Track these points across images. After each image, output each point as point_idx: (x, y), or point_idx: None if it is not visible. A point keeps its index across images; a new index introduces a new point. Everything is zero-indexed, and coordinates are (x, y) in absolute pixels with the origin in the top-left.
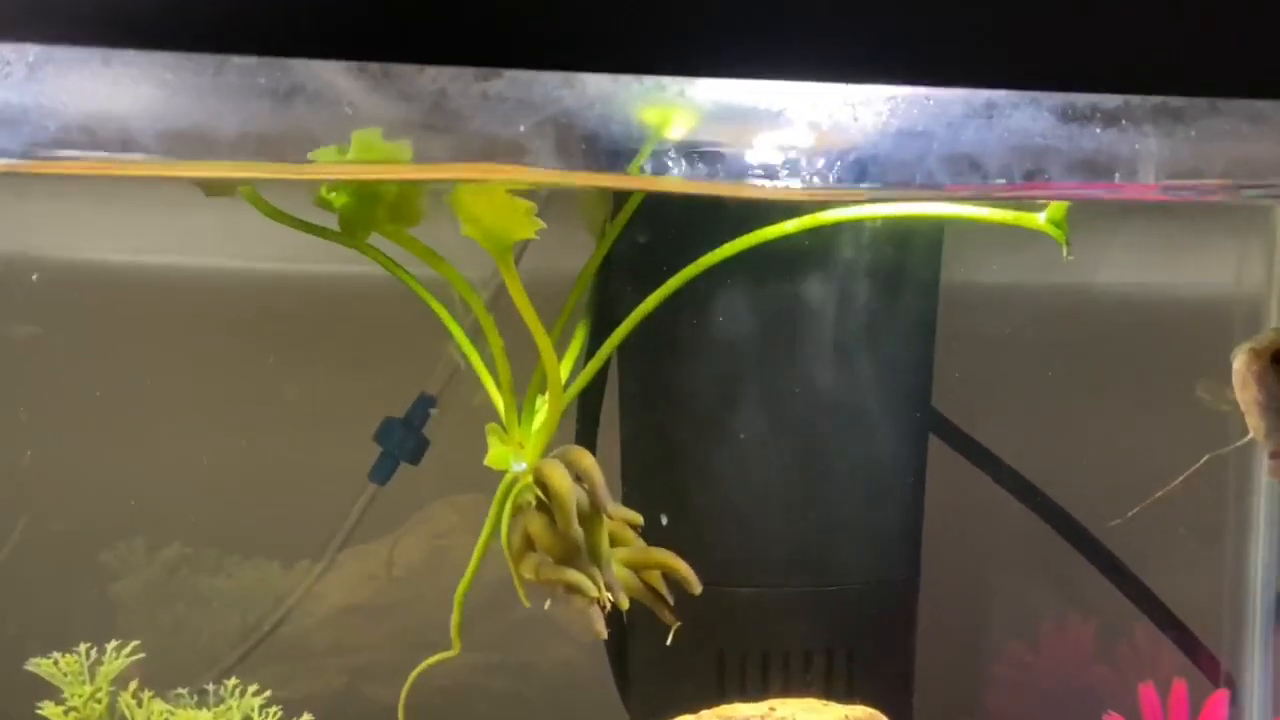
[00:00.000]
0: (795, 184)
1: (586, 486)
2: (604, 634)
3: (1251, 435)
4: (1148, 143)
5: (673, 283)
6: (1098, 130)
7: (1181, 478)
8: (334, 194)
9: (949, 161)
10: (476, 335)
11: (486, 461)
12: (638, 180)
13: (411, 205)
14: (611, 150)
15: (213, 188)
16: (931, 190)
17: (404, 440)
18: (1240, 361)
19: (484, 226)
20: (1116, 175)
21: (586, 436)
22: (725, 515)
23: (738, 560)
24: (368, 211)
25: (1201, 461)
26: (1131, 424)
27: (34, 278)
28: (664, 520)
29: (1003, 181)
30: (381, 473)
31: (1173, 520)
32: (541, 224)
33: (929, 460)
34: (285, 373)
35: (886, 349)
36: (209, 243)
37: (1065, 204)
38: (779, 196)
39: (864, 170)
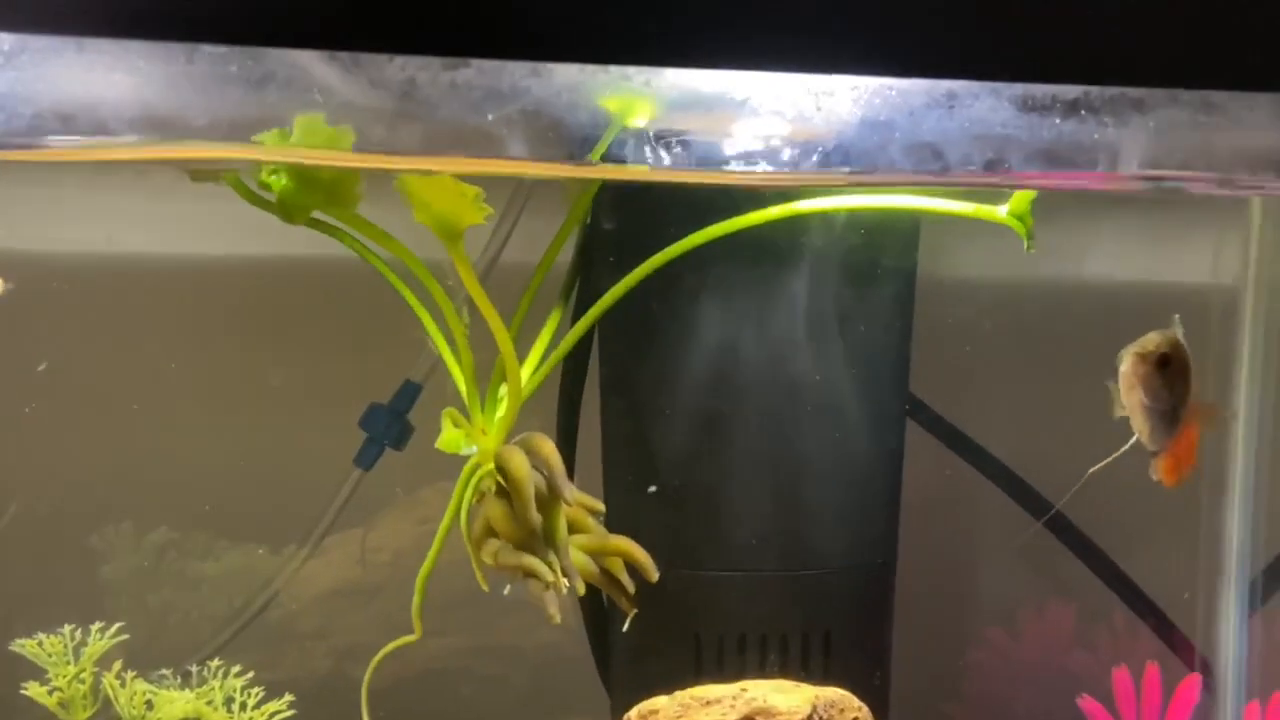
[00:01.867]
0: (759, 171)
1: (546, 473)
2: (557, 619)
3: (1136, 437)
4: (1107, 132)
5: (644, 268)
6: (1057, 120)
7: (1083, 480)
8: (274, 176)
9: (911, 150)
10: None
11: (438, 445)
12: (605, 170)
13: (348, 189)
14: (580, 138)
15: (197, 173)
16: (895, 175)
17: (389, 426)
18: (1126, 365)
19: (434, 213)
20: (1076, 165)
21: (567, 421)
22: (703, 499)
23: (715, 544)
24: (305, 195)
25: (1086, 476)
26: (1107, 413)
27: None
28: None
29: (964, 170)
30: (367, 458)
31: (1150, 507)
32: (490, 210)
33: (908, 446)
34: (272, 359)
35: (863, 334)
36: (195, 229)
37: (1029, 197)
38: (744, 182)
39: (828, 158)
